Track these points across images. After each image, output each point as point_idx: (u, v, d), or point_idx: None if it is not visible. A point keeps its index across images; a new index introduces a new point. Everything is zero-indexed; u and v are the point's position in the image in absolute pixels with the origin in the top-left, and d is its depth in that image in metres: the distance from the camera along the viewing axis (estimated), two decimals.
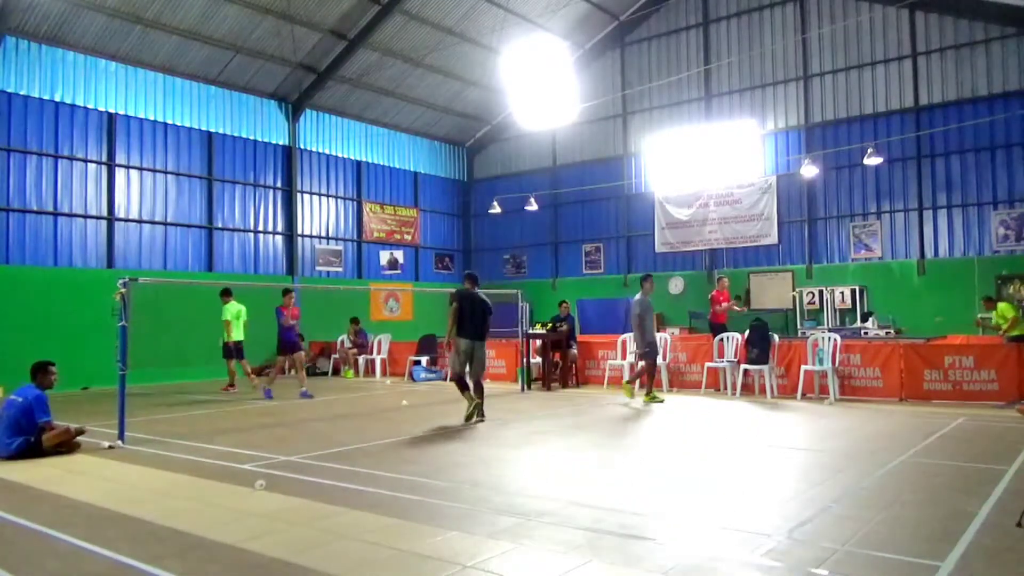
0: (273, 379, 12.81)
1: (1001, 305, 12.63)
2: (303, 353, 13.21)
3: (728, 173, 19.44)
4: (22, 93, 14.63)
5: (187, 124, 17.29)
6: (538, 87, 20.94)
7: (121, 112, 16.08)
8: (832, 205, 18.30)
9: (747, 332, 12.13)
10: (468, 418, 9.22)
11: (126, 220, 16.14)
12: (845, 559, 3.96)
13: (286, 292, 13.06)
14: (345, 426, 9.54)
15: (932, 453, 6.93)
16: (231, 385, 13.40)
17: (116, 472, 6.64)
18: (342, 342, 17.66)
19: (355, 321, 17.78)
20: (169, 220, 16.88)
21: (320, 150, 20.27)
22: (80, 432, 7.59)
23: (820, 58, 18.53)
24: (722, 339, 12.48)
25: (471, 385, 9.42)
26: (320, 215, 20.25)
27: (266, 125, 19.03)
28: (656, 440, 8.23)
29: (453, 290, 10.43)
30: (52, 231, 15.01)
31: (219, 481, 6.11)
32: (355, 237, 21.14)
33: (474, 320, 9.44)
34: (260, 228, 18.77)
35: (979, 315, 13.68)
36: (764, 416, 9.75)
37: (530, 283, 21.91)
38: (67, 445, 7.43)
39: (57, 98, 15.12)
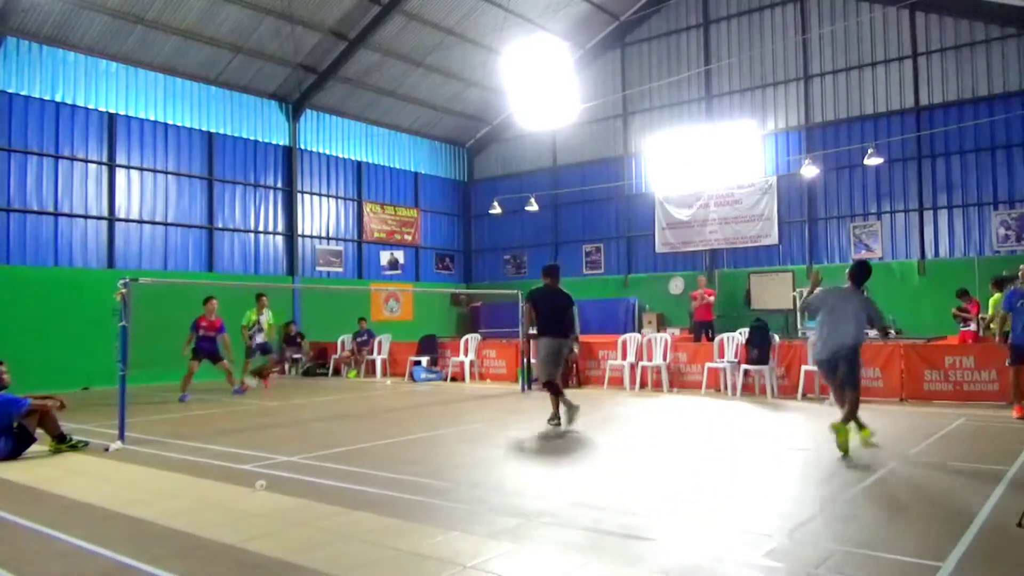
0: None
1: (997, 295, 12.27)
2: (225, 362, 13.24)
3: (728, 173, 19.44)
4: (23, 93, 14.63)
5: (187, 124, 17.30)
6: (538, 87, 20.94)
7: (121, 112, 16.09)
8: (832, 205, 18.29)
9: (747, 332, 12.15)
10: (568, 421, 8.73)
11: (126, 220, 16.15)
12: (845, 559, 3.97)
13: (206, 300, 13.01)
14: (345, 426, 9.55)
15: (932, 453, 6.93)
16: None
17: (117, 472, 6.65)
18: (343, 343, 17.68)
19: (362, 321, 17.93)
20: (169, 220, 16.88)
21: (320, 150, 20.27)
22: (61, 406, 7.59)
23: (820, 58, 18.53)
24: (722, 339, 12.48)
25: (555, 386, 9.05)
26: (320, 215, 20.26)
27: (266, 125, 19.03)
28: (657, 441, 8.23)
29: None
30: (52, 231, 15.01)
31: (219, 481, 6.11)
32: (355, 237, 21.15)
33: (550, 317, 9.02)
34: (260, 228, 18.78)
35: (954, 309, 13.46)
36: (764, 416, 9.75)
37: (530, 283, 21.77)
38: (49, 418, 7.43)
39: (58, 98, 15.12)
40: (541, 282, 9.28)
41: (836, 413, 7.22)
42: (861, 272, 7.38)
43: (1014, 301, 9.62)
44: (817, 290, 7.42)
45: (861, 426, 7.23)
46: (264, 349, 14.22)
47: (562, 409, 8.77)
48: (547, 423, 8.84)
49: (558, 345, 9.02)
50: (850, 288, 7.35)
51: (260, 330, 13.85)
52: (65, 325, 14.33)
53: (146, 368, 12.89)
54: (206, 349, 12.81)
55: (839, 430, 6.73)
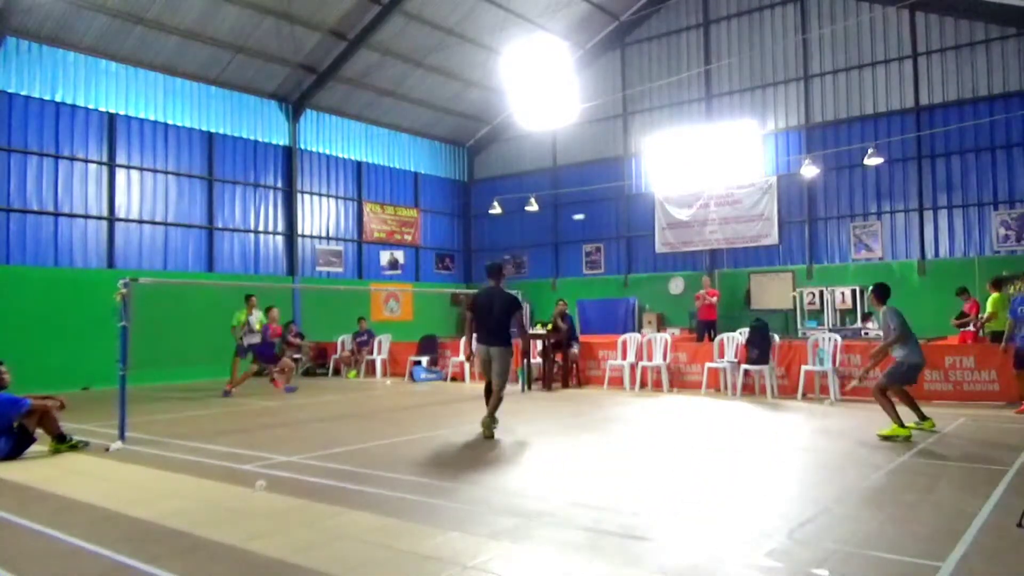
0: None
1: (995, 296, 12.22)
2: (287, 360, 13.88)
3: (728, 173, 19.44)
4: (23, 93, 14.62)
5: (187, 124, 17.29)
6: (538, 87, 20.94)
7: (121, 112, 16.09)
8: (832, 205, 18.29)
9: (747, 332, 12.15)
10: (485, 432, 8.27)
11: (126, 220, 16.14)
12: (845, 559, 3.97)
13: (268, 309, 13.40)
14: (345, 426, 9.54)
15: (932, 453, 6.93)
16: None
17: (116, 472, 6.65)
18: (343, 343, 17.67)
19: (362, 321, 17.95)
20: (169, 220, 16.88)
21: (320, 150, 20.27)
22: (61, 407, 7.57)
23: (820, 58, 18.52)
24: (722, 339, 12.49)
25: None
26: (320, 215, 20.26)
27: (266, 125, 19.03)
28: (657, 441, 8.23)
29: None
30: (53, 231, 15.01)
31: (220, 481, 6.11)
32: (355, 237, 21.14)
33: (488, 322, 8.44)
34: (260, 228, 18.78)
35: (954, 320, 13.50)
36: (764, 416, 9.75)
37: (530, 283, 21.91)
38: (49, 418, 7.42)
39: (58, 98, 15.12)
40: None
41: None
42: (887, 291, 8.51)
43: (1016, 307, 9.73)
44: (887, 311, 8.22)
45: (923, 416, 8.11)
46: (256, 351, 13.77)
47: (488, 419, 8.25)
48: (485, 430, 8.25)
49: (500, 355, 8.36)
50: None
51: (250, 331, 13.48)
52: (65, 325, 14.33)
53: (146, 368, 12.98)
54: (266, 354, 13.20)
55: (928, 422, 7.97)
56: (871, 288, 8.54)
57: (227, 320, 13.09)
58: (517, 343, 8.70)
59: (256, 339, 13.63)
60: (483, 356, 8.49)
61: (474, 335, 8.84)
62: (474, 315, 8.61)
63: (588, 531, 4.54)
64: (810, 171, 17.22)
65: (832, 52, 18.33)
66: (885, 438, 7.49)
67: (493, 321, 8.39)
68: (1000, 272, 14.66)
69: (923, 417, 7.97)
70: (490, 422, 8.19)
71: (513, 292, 8.80)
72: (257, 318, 13.68)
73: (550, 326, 13.83)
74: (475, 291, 9.13)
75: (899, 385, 7.97)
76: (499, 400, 8.39)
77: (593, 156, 22.07)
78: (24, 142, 14.65)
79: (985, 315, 12.01)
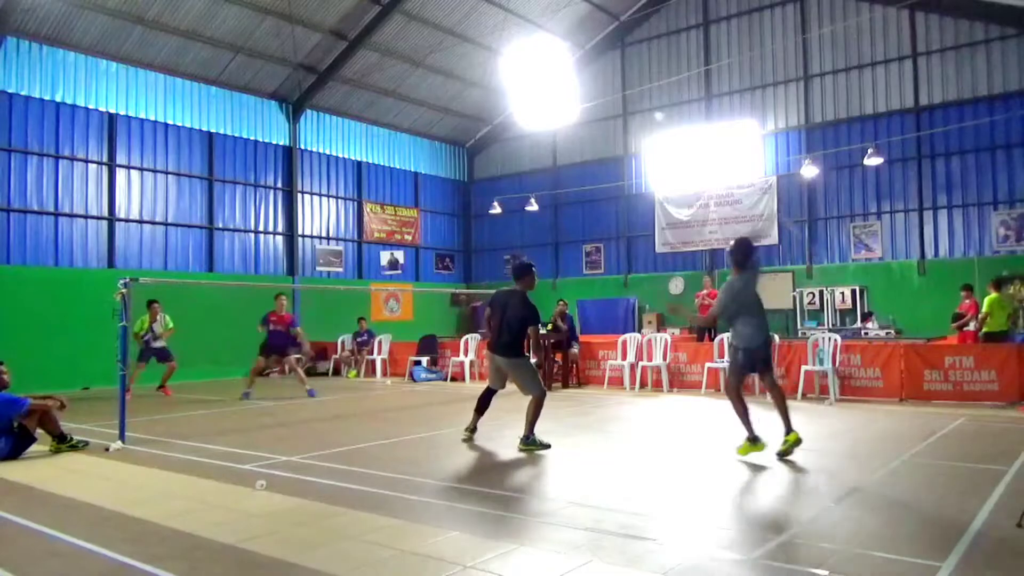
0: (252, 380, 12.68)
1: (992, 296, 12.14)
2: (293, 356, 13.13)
3: (728, 173, 19.43)
4: (23, 93, 14.62)
5: (188, 124, 17.29)
6: (538, 87, 20.94)
7: (122, 112, 16.09)
8: (832, 205, 18.29)
9: None
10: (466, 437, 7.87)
11: (127, 220, 16.14)
12: (845, 559, 3.96)
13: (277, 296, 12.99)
14: (345, 426, 9.55)
15: (932, 453, 6.93)
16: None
17: (117, 472, 6.64)
18: (343, 343, 17.67)
19: (362, 321, 17.94)
20: (170, 220, 16.88)
21: (320, 150, 20.27)
22: (62, 406, 7.54)
23: (820, 58, 18.52)
24: (722, 339, 12.48)
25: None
26: (320, 215, 20.26)
27: (267, 125, 19.03)
28: (656, 441, 8.23)
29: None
30: (53, 231, 15.01)
31: (220, 481, 6.11)
32: (355, 237, 21.15)
33: (499, 329, 7.71)
34: (260, 228, 18.78)
35: (953, 325, 13.56)
36: (764, 416, 9.74)
37: None
38: (49, 418, 7.42)
39: (58, 98, 15.12)
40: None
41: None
42: (748, 253, 6.63)
43: None
44: (730, 281, 6.65)
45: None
46: (161, 355, 13.12)
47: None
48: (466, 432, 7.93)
49: (510, 367, 7.64)
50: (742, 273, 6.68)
51: (155, 337, 13.00)
52: (65, 325, 14.32)
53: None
54: (276, 344, 12.62)
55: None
56: (732, 243, 6.80)
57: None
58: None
59: (161, 343, 13.10)
60: (491, 363, 7.92)
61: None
62: (491, 315, 7.96)
63: (588, 531, 4.54)
64: (810, 171, 17.21)
65: (832, 52, 18.33)
66: (742, 457, 6.59)
67: (503, 327, 7.65)
68: (1000, 272, 14.69)
69: (789, 430, 6.54)
70: (527, 444, 7.29)
71: (533, 304, 7.91)
72: (162, 323, 13.10)
73: (550, 326, 13.83)
74: (495, 290, 8.36)
75: (752, 373, 6.67)
76: (535, 413, 7.40)
77: (593, 156, 22.06)
78: (24, 142, 14.65)
79: (981, 315, 12.02)
